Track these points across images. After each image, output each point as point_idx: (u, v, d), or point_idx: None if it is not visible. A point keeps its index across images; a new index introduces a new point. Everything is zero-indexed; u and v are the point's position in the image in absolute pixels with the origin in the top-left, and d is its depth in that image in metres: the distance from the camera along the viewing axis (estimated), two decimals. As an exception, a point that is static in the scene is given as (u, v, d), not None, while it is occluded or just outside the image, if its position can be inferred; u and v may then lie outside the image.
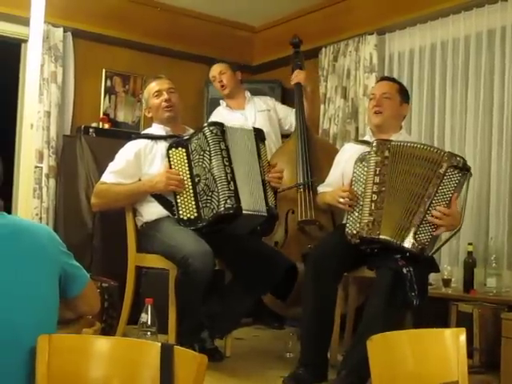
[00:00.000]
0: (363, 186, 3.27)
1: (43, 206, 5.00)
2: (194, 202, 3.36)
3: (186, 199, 3.37)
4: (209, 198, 3.32)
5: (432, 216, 3.08)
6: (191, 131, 3.68)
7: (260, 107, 4.87)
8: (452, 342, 1.88)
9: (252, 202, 3.39)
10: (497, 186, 4.30)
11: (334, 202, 3.41)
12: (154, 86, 3.71)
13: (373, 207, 3.18)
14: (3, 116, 5.35)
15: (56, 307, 1.75)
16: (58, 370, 1.57)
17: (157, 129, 3.69)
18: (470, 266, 4.15)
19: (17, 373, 1.59)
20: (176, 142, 3.49)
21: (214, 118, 4.78)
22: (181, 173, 3.41)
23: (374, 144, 3.32)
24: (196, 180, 3.38)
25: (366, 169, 3.29)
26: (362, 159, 3.34)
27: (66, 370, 1.59)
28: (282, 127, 4.88)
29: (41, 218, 4.95)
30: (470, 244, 4.22)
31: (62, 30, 5.15)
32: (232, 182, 3.34)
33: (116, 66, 5.60)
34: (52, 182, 5.06)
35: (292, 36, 4.87)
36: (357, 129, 5.09)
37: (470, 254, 4.18)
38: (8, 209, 5.01)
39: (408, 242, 3.07)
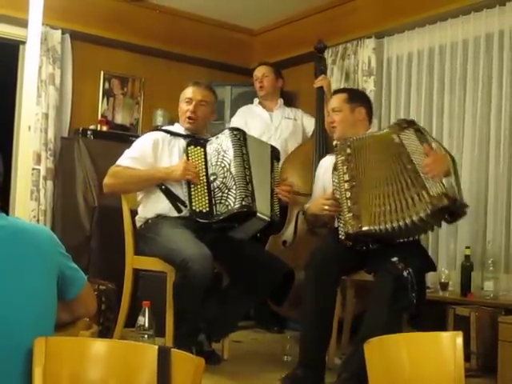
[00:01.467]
0: (339, 189, 3.33)
1: (40, 209, 5.00)
2: (207, 198, 3.38)
3: (199, 193, 3.39)
4: (224, 195, 3.35)
5: (424, 174, 3.08)
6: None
7: (288, 115, 5.00)
8: (449, 345, 1.87)
9: (261, 205, 3.41)
10: (494, 190, 4.30)
11: (319, 212, 3.45)
12: (188, 91, 3.67)
13: (349, 204, 3.22)
14: (1, 118, 5.35)
15: (54, 309, 1.74)
16: (54, 372, 1.57)
17: (178, 128, 3.70)
18: (467, 270, 4.16)
19: (14, 374, 1.58)
20: (195, 140, 3.53)
21: (242, 110, 5.02)
22: (197, 169, 3.44)
23: (336, 147, 3.43)
24: (211, 178, 3.42)
25: (337, 173, 3.37)
26: (334, 168, 3.40)
27: (62, 373, 1.58)
28: (307, 137, 4.94)
29: (38, 220, 4.95)
30: (467, 248, 4.23)
31: (60, 31, 5.16)
32: (250, 184, 3.39)
33: (114, 68, 5.60)
34: (49, 184, 5.06)
35: (317, 41, 4.89)
36: (355, 132, 5.09)
37: (467, 257, 4.19)
38: (5, 211, 5.00)
39: (425, 207, 3.03)
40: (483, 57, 4.43)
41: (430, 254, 3.80)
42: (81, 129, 5.02)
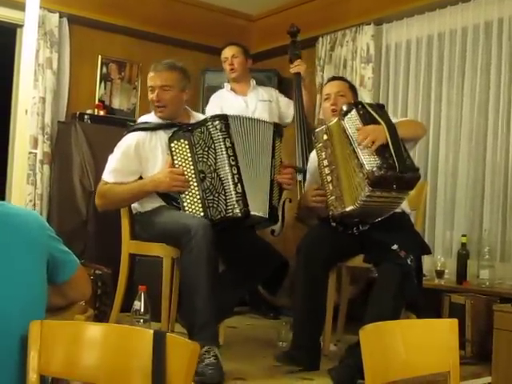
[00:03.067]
0: (321, 175, 3.37)
1: (37, 193, 4.99)
2: (200, 202, 3.26)
3: (191, 198, 3.27)
4: (215, 198, 3.23)
5: (361, 150, 3.09)
6: (194, 114, 3.60)
7: (262, 97, 4.83)
8: (444, 332, 1.88)
9: (257, 203, 3.30)
10: (491, 179, 4.30)
11: (310, 204, 3.45)
12: (149, 78, 3.52)
13: (331, 187, 3.27)
14: (-2, 101, 5.34)
15: (44, 294, 1.73)
16: (49, 356, 1.57)
17: (156, 117, 3.53)
18: (463, 258, 4.17)
19: (6, 360, 1.58)
20: (177, 133, 3.35)
21: (215, 99, 4.77)
22: (185, 168, 3.29)
23: (314, 135, 3.45)
24: (201, 176, 3.27)
25: (318, 160, 3.40)
26: (316, 156, 3.44)
27: (57, 357, 1.58)
28: (283, 119, 4.80)
29: (34, 205, 4.94)
30: (463, 236, 4.23)
31: (57, 15, 5.13)
32: (239, 184, 3.24)
33: (112, 53, 5.58)
34: (46, 168, 5.05)
35: (289, 25, 4.83)
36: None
37: (463, 245, 4.20)
38: (1, 195, 5.00)
39: (365, 183, 3.02)
40: (482, 45, 4.41)
41: (426, 241, 3.80)
42: (78, 113, 5.00)
